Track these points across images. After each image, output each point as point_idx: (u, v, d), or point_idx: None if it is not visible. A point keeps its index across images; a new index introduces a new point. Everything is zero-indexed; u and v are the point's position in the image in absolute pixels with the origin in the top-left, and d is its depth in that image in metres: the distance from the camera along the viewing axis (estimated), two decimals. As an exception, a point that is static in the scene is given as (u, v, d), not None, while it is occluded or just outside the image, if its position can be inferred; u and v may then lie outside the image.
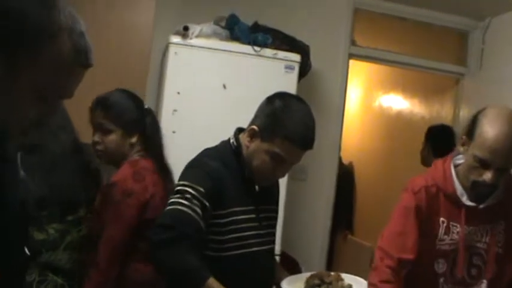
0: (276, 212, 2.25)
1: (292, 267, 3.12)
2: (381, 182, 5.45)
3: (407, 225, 2.09)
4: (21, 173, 1.24)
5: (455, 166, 2.12)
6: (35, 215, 2.07)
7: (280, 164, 2.01)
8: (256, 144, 2.01)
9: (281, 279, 2.14)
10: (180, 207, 1.87)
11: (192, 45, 3.43)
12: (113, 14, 3.30)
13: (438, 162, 2.18)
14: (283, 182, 2.96)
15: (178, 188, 1.93)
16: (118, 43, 3.23)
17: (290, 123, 1.96)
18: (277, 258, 3.12)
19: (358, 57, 4.44)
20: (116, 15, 3.30)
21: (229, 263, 1.98)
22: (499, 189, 2.06)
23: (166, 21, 3.64)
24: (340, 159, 4.68)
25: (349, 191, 5.65)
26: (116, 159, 2.31)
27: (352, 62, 4.38)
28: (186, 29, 3.41)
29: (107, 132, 2.27)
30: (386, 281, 2.03)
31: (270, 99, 2.06)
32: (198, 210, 1.87)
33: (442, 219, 2.10)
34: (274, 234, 2.22)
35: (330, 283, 2.09)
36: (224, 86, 3.47)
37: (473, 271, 2.12)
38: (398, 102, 5.60)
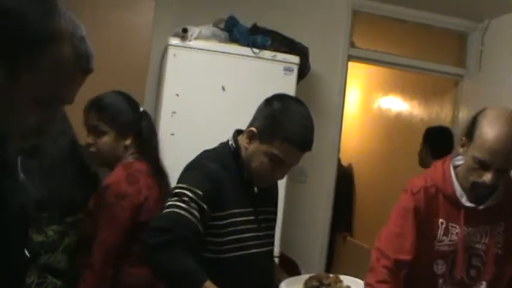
0: (275, 213, 2.25)
1: (291, 269, 3.12)
2: (380, 184, 5.44)
3: (405, 226, 2.09)
4: (21, 176, 1.23)
5: (455, 167, 2.12)
6: (35, 217, 2.07)
7: (279, 166, 2.01)
8: (255, 146, 2.01)
9: (280, 281, 2.14)
10: (177, 210, 1.86)
11: (191, 47, 3.43)
12: (112, 16, 3.30)
13: (438, 163, 2.18)
14: (282, 183, 2.97)
15: (176, 190, 1.93)
16: (117, 45, 3.23)
17: (289, 125, 1.96)
18: (277, 260, 3.12)
19: (357, 59, 4.45)
20: (115, 17, 3.31)
21: (228, 265, 1.97)
22: (498, 191, 2.06)
23: (165, 23, 3.65)
24: (339, 161, 4.68)
25: (349, 192, 5.66)
26: (109, 162, 2.29)
27: (351, 64, 4.38)
28: (185, 31, 3.41)
29: (100, 134, 2.25)
30: (383, 281, 2.04)
31: (268, 101, 2.06)
32: (196, 213, 1.86)
33: (441, 220, 2.10)
34: (273, 236, 2.22)
35: (329, 285, 2.09)
36: (223, 88, 3.47)
37: (473, 272, 2.12)
38: (397, 104, 5.60)
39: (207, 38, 3.49)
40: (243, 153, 2.04)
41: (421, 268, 2.10)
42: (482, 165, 1.97)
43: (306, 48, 3.77)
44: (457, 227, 2.09)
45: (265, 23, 3.74)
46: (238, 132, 2.13)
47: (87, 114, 2.27)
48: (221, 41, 3.55)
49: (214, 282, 1.79)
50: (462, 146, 2.06)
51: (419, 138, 4.05)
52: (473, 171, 2.00)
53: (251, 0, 4.00)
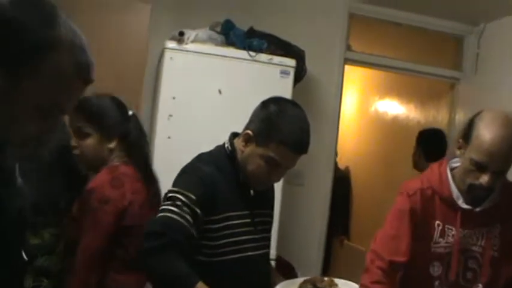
0: (271, 216, 2.25)
1: (288, 271, 3.11)
2: (378, 187, 5.44)
3: (400, 228, 2.09)
4: (19, 180, 1.23)
5: (452, 169, 2.12)
6: (31, 220, 2.06)
7: (275, 169, 2.01)
8: (251, 148, 2.01)
9: (276, 283, 2.14)
10: (170, 214, 1.86)
11: (187, 51, 3.43)
12: (109, 20, 3.31)
13: (434, 166, 2.18)
14: (279, 186, 2.96)
15: (170, 194, 1.92)
16: (114, 48, 3.24)
17: (285, 127, 1.96)
18: (273, 263, 3.11)
19: (354, 62, 4.45)
20: (112, 20, 3.31)
21: (224, 268, 1.97)
22: (495, 193, 2.06)
23: (161, 27, 3.65)
24: (336, 164, 4.68)
25: (346, 195, 5.65)
26: (94, 165, 2.23)
27: (347, 67, 4.38)
28: (181, 34, 3.41)
29: (84, 136, 2.19)
30: (377, 282, 2.04)
31: (264, 104, 2.06)
32: (188, 217, 1.86)
33: (437, 222, 2.10)
34: (269, 239, 2.21)
35: (323, 288, 2.09)
36: (219, 91, 3.47)
37: (469, 274, 2.11)
38: (394, 107, 5.61)
39: (203, 41, 3.49)
40: (239, 156, 2.04)
41: (417, 270, 2.10)
42: (479, 167, 1.97)
43: (302, 51, 3.77)
44: (454, 229, 2.09)
45: (261, 27, 3.75)
46: (235, 135, 2.12)
47: (72, 116, 2.21)
48: (217, 44, 3.55)
49: (211, 285, 1.78)
50: (459, 148, 2.06)
51: (416, 141, 4.05)
52: (470, 173, 2.00)
53: (247, 3, 4.00)
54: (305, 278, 2.16)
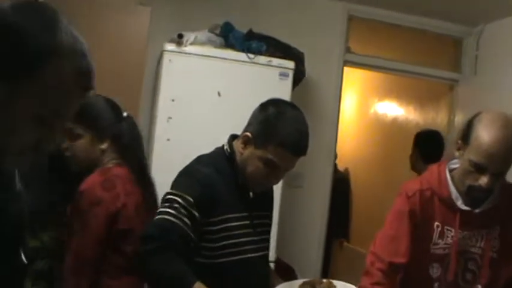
0: (270, 218, 2.24)
1: (288, 274, 3.11)
2: (377, 188, 5.44)
3: (400, 230, 2.09)
4: (18, 185, 1.22)
5: (451, 170, 2.12)
6: (31, 223, 2.05)
7: (274, 171, 2.01)
8: (249, 150, 2.01)
9: (275, 285, 2.13)
10: (167, 216, 1.86)
11: (186, 53, 3.43)
12: (108, 22, 3.31)
13: (433, 167, 2.18)
14: (278, 188, 2.96)
15: (168, 197, 1.92)
16: (113, 50, 3.24)
17: (283, 129, 1.96)
18: (273, 265, 3.11)
19: (353, 64, 4.45)
20: (111, 23, 3.31)
21: (223, 270, 1.97)
22: (494, 194, 2.06)
23: (161, 29, 3.65)
24: (335, 166, 4.68)
25: (345, 197, 5.65)
26: (86, 166, 2.17)
27: (346, 69, 4.38)
28: (180, 36, 3.41)
29: (75, 137, 2.14)
30: (377, 283, 2.04)
31: (263, 106, 2.06)
32: (186, 219, 1.86)
33: (436, 223, 2.10)
34: (268, 241, 2.21)
35: (322, 290, 2.08)
36: (219, 94, 3.47)
37: (468, 276, 2.11)
38: (393, 109, 5.61)
39: (202, 43, 3.49)
40: (238, 158, 2.04)
41: (417, 271, 2.09)
42: (478, 169, 1.96)
43: (302, 53, 3.77)
44: (453, 230, 2.08)
45: (260, 29, 3.75)
46: (234, 137, 2.12)
47: None
48: (216, 46, 3.55)
49: (210, 286, 1.78)
50: (458, 149, 2.06)
51: (415, 143, 4.05)
52: (469, 174, 2.00)
53: (246, 6, 4.01)
54: (304, 279, 2.16)
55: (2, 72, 1.00)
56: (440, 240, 2.09)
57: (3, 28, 1.00)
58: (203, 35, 3.54)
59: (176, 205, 1.87)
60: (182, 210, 1.86)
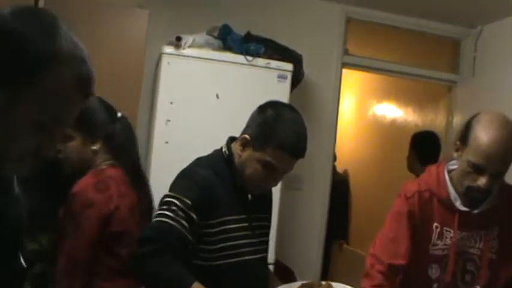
0: (269, 220, 2.24)
1: (287, 276, 3.11)
2: (376, 190, 5.44)
3: (399, 231, 2.09)
4: (17, 189, 1.22)
5: (449, 171, 2.12)
6: (30, 226, 2.04)
7: (273, 173, 2.01)
8: (248, 153, 2.01)
9: (273, 287, 2.13)
10: (164, 219, 1.86)
11: (185, 56, 3.44)
12: (106, 25, 3.30)
13: (432, 168, 2.18)
14: (277, 191, 2.97)
15: (166, 199, 1.92)
16: (111, 53, 3.22)
17: (282, 132, 1.96)
18: (272, 267, 3.11)
19: (351, 66, 4.46)
20: (109, 25, 3.30)
21: (222, 272, 1.96)
22: (492, 195, 2.06)
23: (159, 32, 3.65)
24: (334, 168, 4.67)
25: (344, 199, 5.64)
26: (79, 167, 2.14)
27: (345, 71, 4.39)
28: (178, 39, 3.42)
29: (67, 139, 2.10)
30: (378, 286, 2.04)
31: (261, 108, 2.06)
32: (184, 222, 1.86)
33: (435, 224, 2.10)
34: (267, 243, 2.21)
35: (320, 292, 2.08)
36: (217, 96, 3.47)
37: (467, 277, 2.11)
38: (392, 111, 5.61)
39: (200, 46, 3.50)
40: (237, 160, 2.04)
41: (416, 272, 2.09)
42: (477, 170, 1.96)
43: (300, 55, 3.78)
44: (452, 231, 2.08)
45: (258, 31, 3.75)
46: (232, 139, 2.12)
47: None
48: (215, 49, 3.55)
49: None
50: (456, 150, 2.06)
51: (414, 145, 4.05)
52: (467, 175, 2.00)
53: (245, 8, 4.01)
54: (302, 282, 2.16)
55: (2, 79, 1.00)
56: (439, 241, 2.09)
57: (3, 34, 1.00)
58: (201, 37, 3.54)
59: (174, 207, 1.87)
60: (180, 213, 1.86)
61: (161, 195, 2.00)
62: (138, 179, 2.21)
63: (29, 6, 1.10)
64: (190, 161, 2.10)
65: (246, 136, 2.02)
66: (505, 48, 4.02)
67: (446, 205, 2.09)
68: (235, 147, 2.06)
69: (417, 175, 3.10)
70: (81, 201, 2.02)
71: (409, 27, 4.45)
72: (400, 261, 2.06)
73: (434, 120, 4.85)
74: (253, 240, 2.07)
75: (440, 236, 2.09)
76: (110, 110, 2.22)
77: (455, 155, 2.07)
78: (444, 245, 2.09)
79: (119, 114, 2.24)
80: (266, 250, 2.20)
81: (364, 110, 6.13)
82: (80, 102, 1.11)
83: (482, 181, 1.96)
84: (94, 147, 2.15)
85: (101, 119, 2.16)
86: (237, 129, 2.12)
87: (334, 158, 4.61)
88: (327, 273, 4.70)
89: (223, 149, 2.09)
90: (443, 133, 4.49)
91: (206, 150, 2.15)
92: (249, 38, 3.67)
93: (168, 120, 3.41)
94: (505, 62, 3.97)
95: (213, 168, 2.02)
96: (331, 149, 4.31)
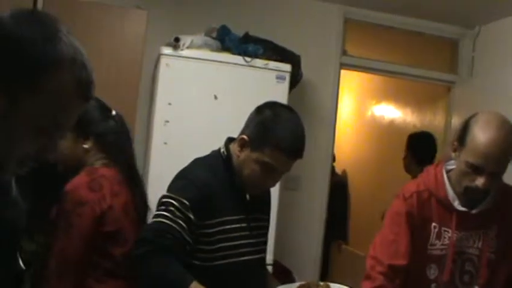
0: (267, 220, 2.24)
1: (285, 276, 3.11)
2: (375, 191, 5.44)
3: (398, 232, 2.08)
4: (14, 191, 1.22)
5: (447, 171, 2.12)
6: (27, 227, 2.04)
7: (271, 173, 2.01)
8: (246, 153, 2.01)
9: (272, 288, 2.14)
10: (162, 219, 1.86)
11: (183, 56, 3.44)
12: (104, 26, 3.30)
13: (430, 168, 2.18)
14: (276, 191, 2.96)
15: (164, 200, 1.93)
16: (110, 54, 3.23)
17: (279, 132, 1.96)
18: (270, 267, 3.11)
19: (350, 66, 4.46)
20: (107, 26, 3.30)
21: (220, 272, 1.97)
22: (491, 195, 2.06)
23: (157, 33, 3.65)
24: (333, 168, 4.67)
25: (343, 200, 5.64)
26: (71, 165, 2.12)
27: (343, 71, 4.39)
28: (177, 40, 3.42)
29: None
30: (379, 287, 2.03)
31: (259, 109, 2.06)
32: (181, 222, 1.86)
33: (434, 224, 2.10)
34: (265, 243, 2.21)
35: (318, 293, 2.08)
36: (215, 97, 3.47)
37: (466, 277, 2.11)
38: (390, 111, 5.61)
39: (199, 47, 3.50)
40: (235, 160, 2.04)
41: (414, 272, 2.09)
42: (475, 170, 1.96)
43: (298, 56, 3.78)
44: (450, 231, 2.08)
45: (257, 32, 3.75)
46: (230, 140, 2.12)
47: None
48: (213, 50, 3.55)
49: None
50: (454, 150, 2.06)
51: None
52: (465, 175, 2.00)
53: (243, 9, 4.01)
54: (300, 282, 2.16)
55: (2, 83, 1.00)
56: (437, 241, 2.09)
57: (3, 38, 1.00)
58: (200, 38, 3.54)
59: (172, 208, 1.87)
60: (178, 213, 1.87)
61: (159, 196, 2.00)
62: (132, 177, 2.19)
63: (29, 9, 1.09)
64: (189, 162, 2.10)
65: (244, 137, 2.02)
66: (504, 48, 4.02)
67: (445, 205, 2.09)
68: (234, 147, 2.06)
69: (414, 176, 3.11)
70: (73, 200, 2.00)
71: (407, 28, 4.45)
72: (401, 262, 2.06)
73: (432, 120, 4.86)
74: (252, 241, 2.07)
75: (439, 236, 2.09)
76: (104, 108, 2.19)
77: (453, 155, 2.07)
78: (442, 245, 2.09)
79: (114, 113, 2.21)
80: (264, 250, 2.20)
81: (362, 111, 6.13)
82: (80, 106, 1.11)
83: (480, 181, 1.96)
84: (85, 145, 2.12)
85: (92, 116, 2.13)
86: (235, 130, 2.12)
87: (333, 159, 4.61)
88: (326, 274, 4.71)
89: (222, 150, 2.09)
90: (441, 133, 4.49)
91: (204, 151, 2.15)
92: (247, 38, 3.67)
93: (167, 121, 3.41)
94: (504, 62, 3.98)
95: (211, 169, 2.02)
96: (330, 150, 4.31)
